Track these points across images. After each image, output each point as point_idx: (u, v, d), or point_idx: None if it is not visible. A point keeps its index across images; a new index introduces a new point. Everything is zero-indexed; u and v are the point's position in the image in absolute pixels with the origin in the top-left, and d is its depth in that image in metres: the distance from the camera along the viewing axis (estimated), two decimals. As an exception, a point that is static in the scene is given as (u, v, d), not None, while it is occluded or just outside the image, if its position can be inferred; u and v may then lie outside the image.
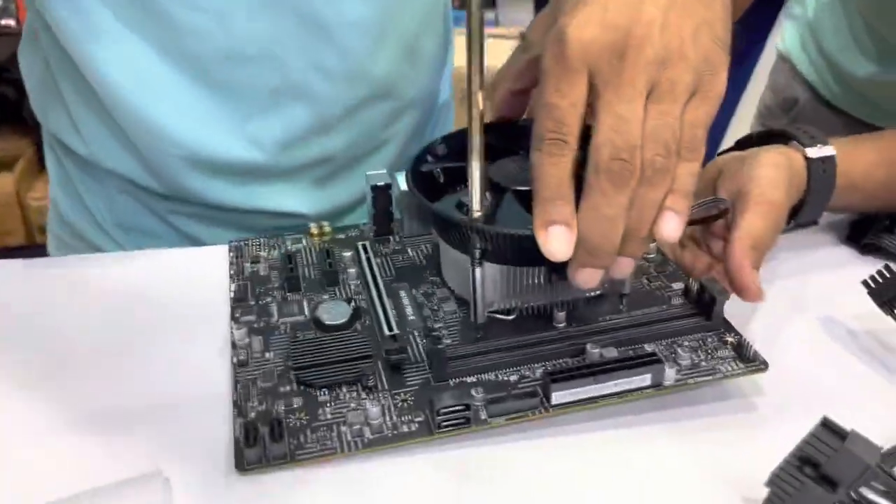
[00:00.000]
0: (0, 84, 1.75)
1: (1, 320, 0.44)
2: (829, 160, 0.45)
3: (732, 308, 0.40)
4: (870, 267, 0.44)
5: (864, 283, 0.42)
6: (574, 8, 0.32)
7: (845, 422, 0.28)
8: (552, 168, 0.32)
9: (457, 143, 0.43)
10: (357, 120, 0.54)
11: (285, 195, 0.55)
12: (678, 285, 0.42)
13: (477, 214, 0.37)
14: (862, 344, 0.43)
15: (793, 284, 0.48)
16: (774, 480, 0.29)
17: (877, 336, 0.43)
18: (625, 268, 0.34)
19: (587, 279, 0.33)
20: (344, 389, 0.36)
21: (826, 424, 0.27)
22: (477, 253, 0.37)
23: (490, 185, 0.39)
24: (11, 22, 1.55)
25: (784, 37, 0.95)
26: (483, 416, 0.35)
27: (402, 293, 0.42)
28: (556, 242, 0.33)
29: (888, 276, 0.41)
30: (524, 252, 0.35)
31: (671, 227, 0.33)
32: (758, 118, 1.02)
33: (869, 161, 0.48)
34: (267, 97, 0.50)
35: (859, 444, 0.27)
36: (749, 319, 0.44)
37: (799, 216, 0.47)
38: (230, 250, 0.48)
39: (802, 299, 0.46)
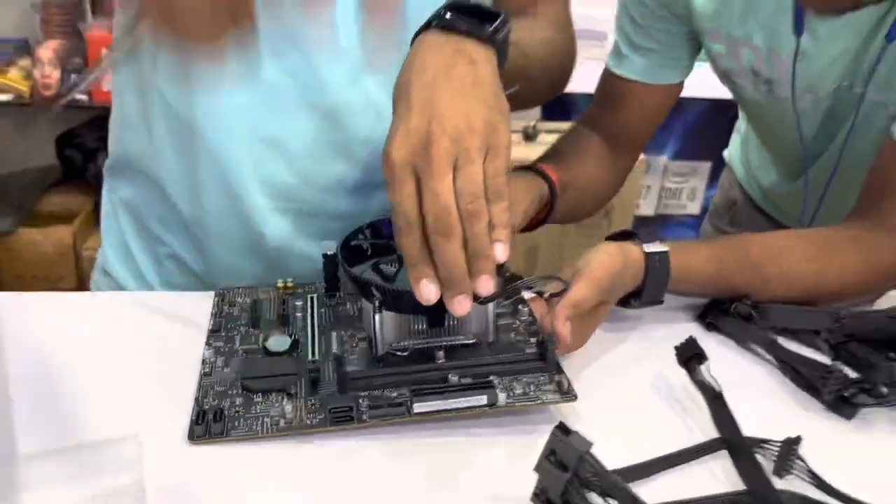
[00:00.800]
0: (69, 148, 1.99)
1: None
2: (663, 255, 0.60)
3: (582, 359, 0.54)
4: (709, 340, 0.59)
5: (676, 347, 0.56)
6: (392, 126, 0.48)
7: (629, 440, 0.42)
8: (407, 243, 0.47)
9: (378, 227, 0.59)
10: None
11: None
12: (534, 339, 0.57)
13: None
14: (668, 386, 0.57)
15: (640, 346, 0.62)
16: (538, 467, 0.43)
17: (680, 384, 0.56)
18: (485, 285, 0.48)
19: (461, 306, 0.48)
20: (273, 395, 0.52)
21: (561, 427, 0.42)
22: (376, 302, 0.52)
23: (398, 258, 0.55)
24: (84, 97, 1.80)
25: (730, 147, 1.11)
26: (364, 417, 0.49)
27: (333, 333, 0.58)
28: (425, 289, 0.48)
29: (689, 344, 0.55)
30: (407, 303, 0.50)
31: (500, 252, 0.48)
32: (709, 217, 1.16)
33: (702, 258, 0.63)
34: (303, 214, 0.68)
35: (578, 440, 0.41)
36: (590, 368, 0.58)
37: (641, 298, 0.61)
38: (216, 295, 0.64)
39: (641, 357, 0.60)
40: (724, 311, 0.64)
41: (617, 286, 0.58)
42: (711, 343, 0.62)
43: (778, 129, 0.79)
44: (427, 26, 0.52)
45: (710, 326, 0.65)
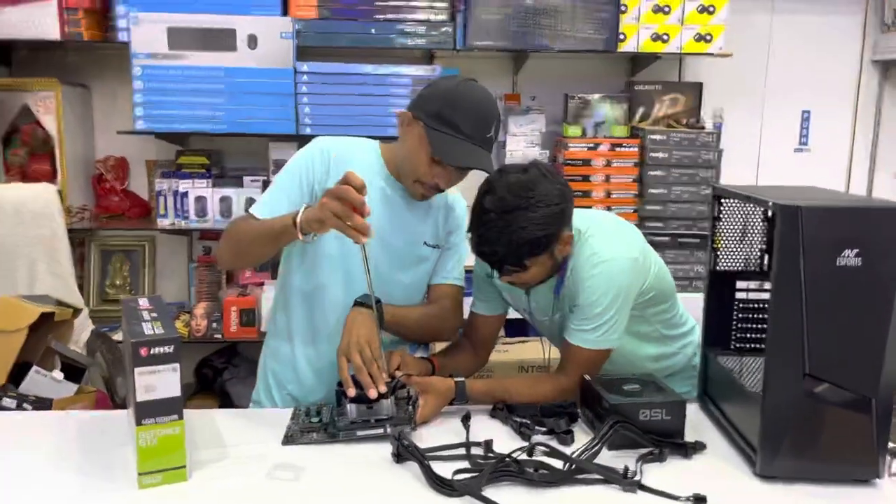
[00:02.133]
0: (204, 368, 3.07)
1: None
2: (461, 383, 1.55)
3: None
4: (492, 421, 1.53)
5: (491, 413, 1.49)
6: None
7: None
8: (342, 373, 1.46)
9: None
10: None
11: None
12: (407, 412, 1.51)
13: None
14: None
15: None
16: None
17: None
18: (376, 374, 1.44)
19: (371, 386, 1.44)
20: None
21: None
22: (345, 400, 1.48)
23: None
24: (219, 336, 2.90)
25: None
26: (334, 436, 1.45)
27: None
28: (351, 390, 1.45)
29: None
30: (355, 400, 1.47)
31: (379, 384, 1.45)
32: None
33: (480, 385, 1.58)
34: None
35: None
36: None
37: (455, 401, 1.55)
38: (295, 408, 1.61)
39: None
40: (496, 408, 1.57)
41: (444, 401, 1.54)
42: (494, 422, 1.55)
43: (539, 328, 1.77)
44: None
45: (494, 413, 1.58)
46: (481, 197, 1.50)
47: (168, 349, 1.20)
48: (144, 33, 2.66)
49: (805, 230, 1.22)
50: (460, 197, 1.77)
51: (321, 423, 1.50)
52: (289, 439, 1.44)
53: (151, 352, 1.20)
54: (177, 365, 1.22)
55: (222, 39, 2.69)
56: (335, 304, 1.62)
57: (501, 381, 1.65)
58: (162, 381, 1.21)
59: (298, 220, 1.39)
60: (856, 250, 1.22)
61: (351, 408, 1.47)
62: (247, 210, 1.61)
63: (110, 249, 3.16)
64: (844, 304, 1.24)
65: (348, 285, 1.61)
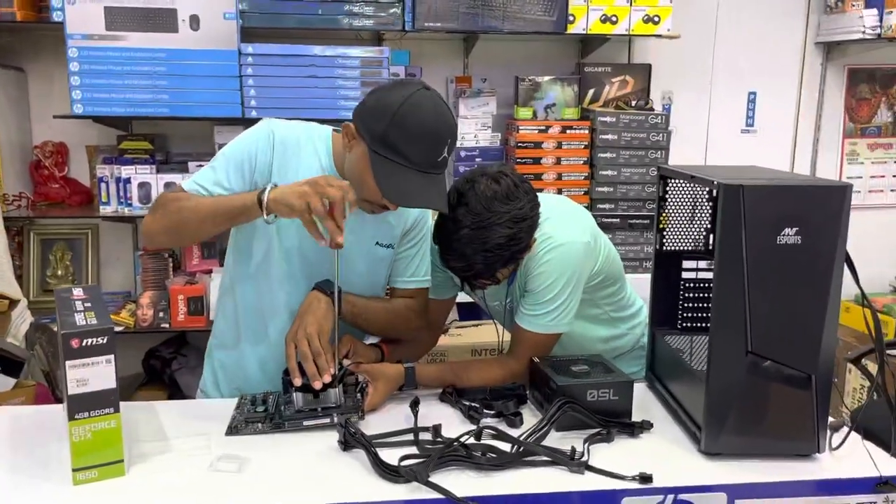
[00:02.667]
0: (153, 359, 3.00)
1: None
2: (410, 368, 1.54)
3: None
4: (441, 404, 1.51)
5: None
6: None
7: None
8: (290, 361, 1.43)
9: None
10: None
11: None
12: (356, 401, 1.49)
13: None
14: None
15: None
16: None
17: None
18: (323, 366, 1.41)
19: (317, 378, 1.41)
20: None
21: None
22: (291, 389, 1.46)
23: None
24: (166, 325, 2.83)
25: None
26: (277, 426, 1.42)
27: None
28: (297, 380, 1.42)
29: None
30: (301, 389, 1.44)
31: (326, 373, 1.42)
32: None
33: (430, 370, 1.56)
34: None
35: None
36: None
37: (403, 388, 1.54)
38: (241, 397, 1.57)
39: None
40: (446, 392, 1.56)
41: (393, 387, 1.52)
42: (443, 405, 1.54)
43: (491, 312, 1.76)
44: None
45: (443, 397, 1.57)
46: (454, 209, 1.44)
47: (101, 340, 1.16)
48: (80, 13, 2.56)
49: (747, 209, 1.23)
50: None
51: (266, 412, 1.46)
52: (233, 430, 1.41)
53: (84, 343, 1.15)
54: (111, 356, 1.17)
55: (163, 20, 2.60)
56: (285, 291, 1.56)
57: (451, 366, 1.64)
58: (96, 374, 1.17)
59: (265, 197, 1.32)
60: (795, 228, 1.24)
61: (297, 396, 1.44)
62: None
63: (51, 238, 3.06)
64: (785, 282, 1.26)
65: (301, 276, 1.54)
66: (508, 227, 1.43)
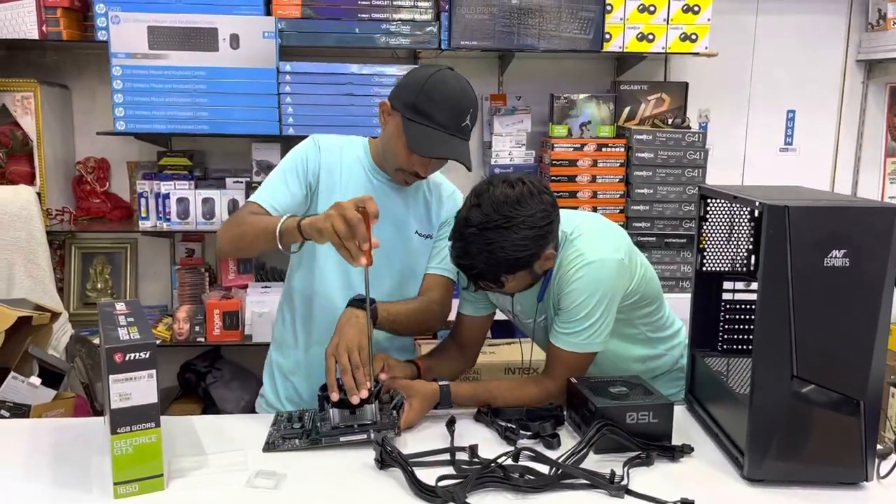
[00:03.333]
0: (188, 373, 3.03)
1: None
2: (445, 387, 1.53)
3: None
4: (477, 424, 1.50)
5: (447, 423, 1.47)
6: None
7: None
8: (329, 375, 1.44)
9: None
10: None
11: None
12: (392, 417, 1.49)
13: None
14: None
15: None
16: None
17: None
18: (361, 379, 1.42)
19: (354, 392, 1.41)
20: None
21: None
22: (327, 405, 1.46)
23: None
24: (202, 339, 2.86)
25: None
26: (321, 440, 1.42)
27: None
28: (335, 395, 1.42)
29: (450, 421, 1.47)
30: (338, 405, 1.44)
31: (363, 388, 1.42)
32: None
33: (465, 389, 1.55)
34: None
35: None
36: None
37: (439, 406, 1.53)
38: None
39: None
40: (481, 412, 1.55)
41: (429, 405, 1.51)
42: (479, 425, 1.53)
43: (525, 330, 1.75)
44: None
45: (479, 416, 1.56)
46: (467, 209, 1.47)
47: (144, 355, 1.17)
48: (124, 32, 2.62)
49: (792, 230, 1.21)
50: (455, 190, 1.78)
51: (303, 429, 1.47)
52: (270, 446, 1.41)
53: (127, 358, 1.16)
54: (153, 371, 1.19)
55: (204, 39, 2.65)
56: (332, 306, 1.63)
57: (486, 385, 1.63)
58: (138, 388, 1.18)
59: (301, 224, 1.40)
60: (843, 250, 1.21)
61: (334, 413, 1.44)
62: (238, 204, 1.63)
63: (91, 252, 3.11)
64: (832, 305, 1.23)
65: (347, 290, 1.65)
66: (515, 231, 1.43)
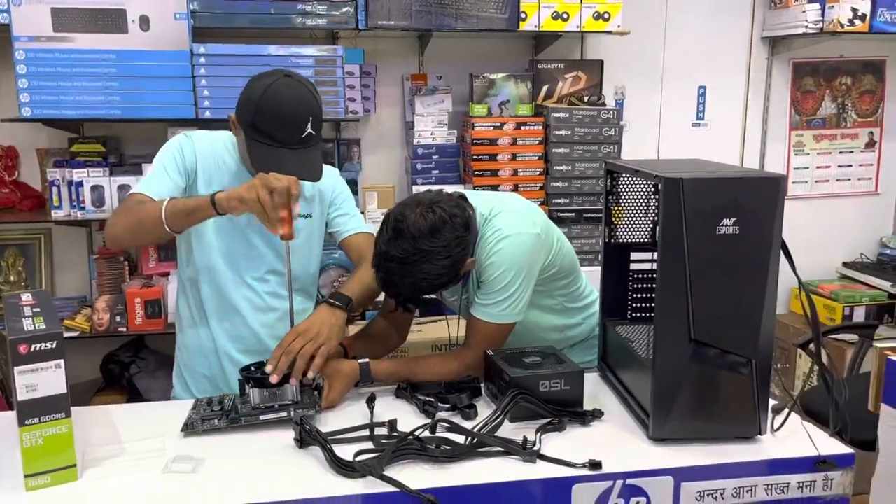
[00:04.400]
0: (111, 363, 2.97)
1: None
2: (365, 364, 1.55)
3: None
4: (399, 401, 1.53)
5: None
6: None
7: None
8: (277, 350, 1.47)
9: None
10: None
11: None
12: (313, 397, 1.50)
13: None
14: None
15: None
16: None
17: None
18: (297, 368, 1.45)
19: (281, 371, 1.44)
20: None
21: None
22: (248, 387, 1.47)
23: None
24: (123, 329, 2.80)
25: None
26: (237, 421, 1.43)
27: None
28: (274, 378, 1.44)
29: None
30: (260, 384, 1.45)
31: (316, 364, 1.46)
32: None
33: (386, 366, 1.58)
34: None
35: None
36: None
37: (360, 383, 1.56)
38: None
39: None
40: (401, 388, 1.58)
41: (349, 384, 1.54)
42: (399, 401, 1.56)
43: (451, 307, 1.79)
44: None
45: (399, 392, 1.59)
46: (386, 243, 1.49)
47: (50, 345, 1.16)
48: (26, 15, 2.52)
49: (686, 200, 1.27)
50: (330, 167, 1.83)
51: (223, 411, 1.47)
52: (188, 427, 1.41)
53: (32, 349, 1.15)
54: (61, 361, 1.17)
55: (112, 21, 2.57)
56: (220, 284, 1.72)
57: (406, 362, 1.66)
58: (45, 379, 1.16)
59: (216, 197, 1.44)
60: (733, 219, 1.28)
61: (254, 392, 1.45)
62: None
63: (2, 244, 3.00)
64: (724, 271, 1.30)
65: (231, 267, 1.72)
66: (433, 263, 1.48)
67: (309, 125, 1.58)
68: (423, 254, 1.47)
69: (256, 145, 1.57)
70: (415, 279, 1.48)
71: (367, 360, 1.58)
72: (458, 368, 1.61)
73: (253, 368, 1.52)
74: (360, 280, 1.70)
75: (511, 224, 1.60)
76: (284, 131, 1.56)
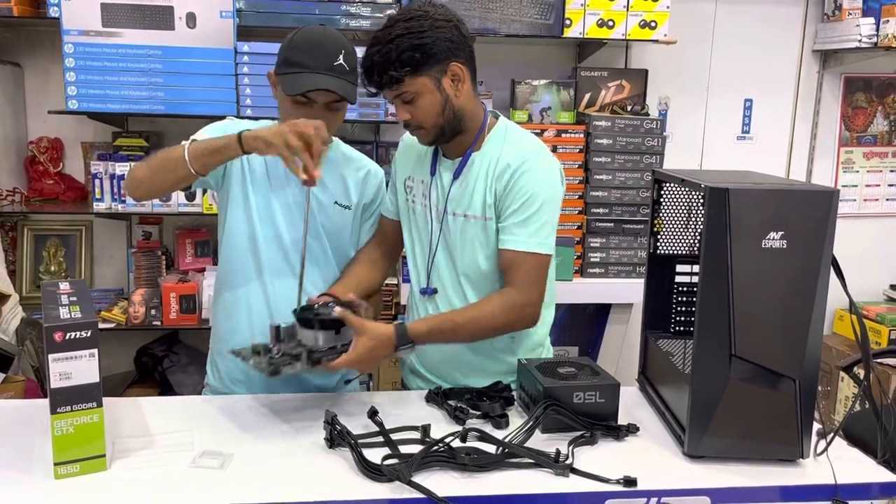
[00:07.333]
0: (145, 356, 2.99)
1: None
2: (401, 325, 1.49)
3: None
4: None
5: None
6: None
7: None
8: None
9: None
10: None
11: None
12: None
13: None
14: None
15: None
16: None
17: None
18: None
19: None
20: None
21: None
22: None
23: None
24: (158, 323, 2.83)
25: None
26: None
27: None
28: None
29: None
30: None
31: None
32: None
33: (421, 325, 1.52)
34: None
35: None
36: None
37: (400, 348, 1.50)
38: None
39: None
40: (431, 392, 1.56)
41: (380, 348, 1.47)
42: (430, 407, 1.53)
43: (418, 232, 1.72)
44: None
45: (430, 397, 1.56)
46: (385, 24, 1.54)
47: (85, 334, 1.16)
48: (76, 9, 2.56)
49: (732, 212, 1.23)
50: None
51: (284, 355, 1.42)
52: (275, 373, 1.39)
53: (67, 337, 1.15)
54: (95, 351, 1.17)
55: (159, 17, 2.60)
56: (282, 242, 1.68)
57: (444, 315, 1.59)
58: (79, 368, 1.16)
59: (244, 136, 1.43)
60: (781, 232, 1.24)
61: (318, 335, 1.44)
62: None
63: (44, 234, 3.05)
64: (770, 286, 1.26)
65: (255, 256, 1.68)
66: (414, 22, 1.50)
67: (341, 57, 1.57)
68: (423, 13, 1.51)
69: (288, 77, 1.57)
70: (391, 39, 1.48)
71: (401, 322, 1.54)
72: (501, 310, 1.53)
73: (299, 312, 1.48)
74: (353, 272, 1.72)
75: (544, 153, 1.63)
76: (315, 58, 1.56)
